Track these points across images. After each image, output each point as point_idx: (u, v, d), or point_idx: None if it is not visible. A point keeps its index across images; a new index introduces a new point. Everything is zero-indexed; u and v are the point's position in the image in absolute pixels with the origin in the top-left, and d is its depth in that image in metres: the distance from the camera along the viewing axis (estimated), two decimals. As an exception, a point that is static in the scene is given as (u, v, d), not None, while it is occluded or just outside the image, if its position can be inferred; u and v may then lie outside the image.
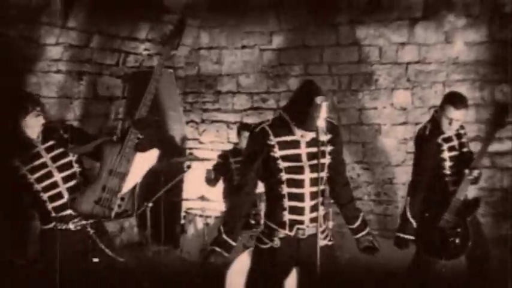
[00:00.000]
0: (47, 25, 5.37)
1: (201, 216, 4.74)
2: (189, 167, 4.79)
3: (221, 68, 7.37)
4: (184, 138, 6.81)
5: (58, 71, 5.71)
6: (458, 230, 3.79)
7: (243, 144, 5.25)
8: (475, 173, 3.87)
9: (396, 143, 6.54)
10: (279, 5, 6.94)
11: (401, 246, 3.91)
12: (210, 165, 5.34)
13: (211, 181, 5.09)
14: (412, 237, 3.93)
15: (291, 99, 2.89)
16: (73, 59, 5.84)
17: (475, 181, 3.94)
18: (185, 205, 5.20)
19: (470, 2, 6.16)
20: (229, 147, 6.39)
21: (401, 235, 3.95)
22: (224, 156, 5.43)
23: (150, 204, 4.54)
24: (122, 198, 3.24)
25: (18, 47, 5.16)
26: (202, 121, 7.58)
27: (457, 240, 3.80)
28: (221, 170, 5.33)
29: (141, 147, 3.25)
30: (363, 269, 4.85)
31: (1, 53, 4.99)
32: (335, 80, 6.77)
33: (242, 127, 5.43)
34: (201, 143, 7.56)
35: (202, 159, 5.39)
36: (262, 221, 4.40)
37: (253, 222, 4.34)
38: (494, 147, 6.03)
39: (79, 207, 3.21)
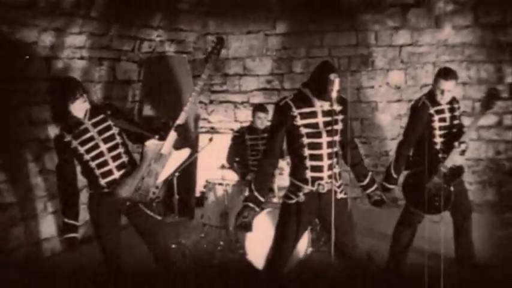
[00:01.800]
0: (72, 15, 5.69)
1: (220, 184, 5.23)
2: (210, 139, 5.24)
3: (228, 52, 7.74)
4: (198, 117, 7.23)
5: (82, 58, 6.06)
6: (443, 191, 4.33)
7: (258, 123, 5.71)
8: (463, 146, 4.37)
9: (391, 119, 7.04)
10: None
11: (384, 191, 4.44)
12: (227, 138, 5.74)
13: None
14: (393, 186, 4.52)
15: (311, 76, 3.42)
16: (94, 46, 6.17)
17: (462, 153, 4.42)
18: (206, 175, 5.64)
19: None
20: (237, 126, 6.79)
21: (385, 184, 4.53)
22: (241, 133, 5.84)
23: (177, 174, 4.98)
24: (157, 187, 3.78)
25: (46, 37, 5.54)
26: (211, 102, 7.98)
27: (441, 200, 4.35)
28: (238, 146, 5.77)
29: (177, 146, 3.78)
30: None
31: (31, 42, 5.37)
32: (335, 62, 7.16)
33: (256, 108, 5.81)
34: (209, 122, 7.96)
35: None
36: (275, 188, 4.97)
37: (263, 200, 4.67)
38: (480, 121, 6.56)
39: (121, 193, 3.69)
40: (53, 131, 5.74)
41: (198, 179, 6.93)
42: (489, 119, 6.71)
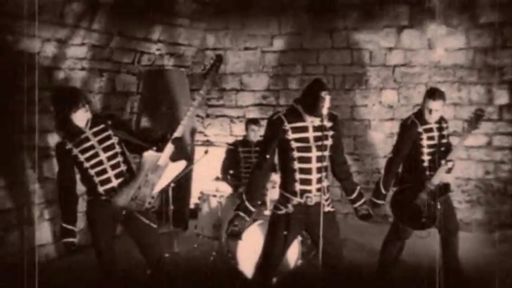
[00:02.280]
0: (75, 27, 5.84)
1: (214, 196, 5.34)
2: (206, 152, 5.37)
3: (225, 67, 7.87)
4: (194, 130, 7.35)
5: (82, 69, 6.20)
6: (430, 208, 4.46)
7: (251, 136, 5.87)
8: (450, 164, 4.51)
9: (384, 137, 7.15)
10: (280, 11, 7.50)
11: (373, 207, 4.56)
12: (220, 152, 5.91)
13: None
14: (382, 202, 4.66)
15: (303, 93, 3.57)
16: (95, 57, 6.31)
17: (449, 171, 4.56)
18: (201, 187, 5.76)
19: (451, 13, 6.78)
20: (232, 140, 6.89)
21: (374, 200, 4.67)
22: (234, 145, 6.00)
23: (173, 184, 5.09)
24: (153, 197, 3.91)
25: (49, 47, 5.68)
26: (207, 116, 8.11)
27: (428, 216, 4.48)
28: (231, 159, 5.91)
29: (174, 158, 3.91)
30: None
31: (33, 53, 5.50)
32: (330, 80, 7.32)
33: (250, 121, 5.98)
34: (205, 135, 8.09)
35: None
36: (267, 201, 5.09)
37: (259, 202, 4.82)
38: (470, 141, 6.67)
39: (118, 201, 3.81)
40: (51, 139, 5.87)
41: (192, 190, 7.03)
42: (479, 140, 6.82)
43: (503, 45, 6.69)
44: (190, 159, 6.48)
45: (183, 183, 6.14)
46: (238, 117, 7.94)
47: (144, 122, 6.91)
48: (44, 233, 5.81)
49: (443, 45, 6.93)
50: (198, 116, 8.02)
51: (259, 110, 7.83)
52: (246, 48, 7.83)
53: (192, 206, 7.17)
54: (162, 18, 7.11)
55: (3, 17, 5.02)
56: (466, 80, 6.91)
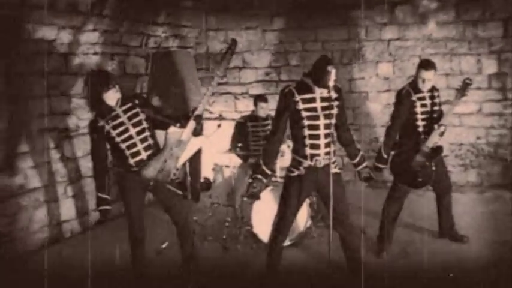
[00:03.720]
0: (87, 15, 6.08)
1: (227, 166, 5.75)
2: (219, 125, 5.72)
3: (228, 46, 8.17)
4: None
5: (95, 53, 6.47)
6: (425, 168, 4.89)
7: (259, 112, 6.17)
8: (442, 128, 4.91)
9: (381, 108, 7.48)
10: None
11: (376, 171, 5.00)
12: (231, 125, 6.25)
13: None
14: (384, 166, 5.04)
15: (312, 67, 3.97)
16: (106, 42, 6.58)
17: (442, 134, 4.96)
18: (214, 159, 6.14)
19: None
20: (237, 115, 7.20)
21: (377, 164, 5.06)
22: (244, 119, 6.29)
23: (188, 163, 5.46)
24: (177, 169, 4.29)
25: (64, 35, 5.97)
26: (212, 93, 8.38)
27: (424, 175, 4.91)
28: (240, 132, 6.23)
29: (196, 133, 4.27)
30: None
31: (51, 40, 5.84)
32: (328, 55, 7.49)
33: (258, 98, 6.25)
34: (211, 112, 8.37)
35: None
36: (277, 169, 5.49)
37: (270, 173, 5.14)
38: (462, 109, 7.10)
39: (146, 174, 4.18)
40: (71, 121, 6.25)
41: (203, 165, 7.41)
42: (470, 107, 7.18)
43: (491, 18, 7.01)
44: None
45: (194, 157, 6.51)
46: (242, 94, 8.23)
47: (154, 102, 7.22)
48: (68, 209, 6.18)
49: (434, 19, 7.22)
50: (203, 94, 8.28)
51: (262, 86, 8.11)
52: (248, 28, 8.05)
53: (202, 179, 7.58)
54: (166, 1, 7.36)
55: (23, 7, 5.33)
56: (456, 52, 7.21)
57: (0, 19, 5.17)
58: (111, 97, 4.14)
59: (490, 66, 7.13)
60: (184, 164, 4.51)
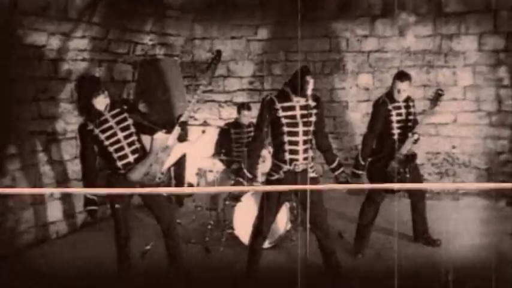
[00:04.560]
0: (77, 21, 6.26)
1: (210, 171, 5.94)
2: (203, 131, 5.91)
3: (213, 55, 8.21)
4: (186, 115, 7.84)
5: (84, 59, 6.60)
6: (400, 174, 5.12)
7: (242, 119, 6.37)
8: (416, 136, 5.15)
9: (361, 117, 7.65)
10: (264, 2, 7.92)
11: (354, 177, 5.21)
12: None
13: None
14: (362, 172, 5.25)
15: (291, 77, 4.20)
16: (95, 49, 6.72)
17: (415, 142, 5.21)
18: (198, 164, 6.31)
19: (419, 3, 7.32)
20: (221, 123, 7.37)
21: (355, 170, 5.27)
22: (228, 126, 6.51)
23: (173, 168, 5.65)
24: (162, 173, 4.47)
25: (54, 40, 6.10)
26: (197, 101, 8.54)
27: (398, 181, 5.12)
28: (224, 139, 6.43)
29: (181, 139, 4.46)
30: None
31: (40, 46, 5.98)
32: (310, 66, 7.62)
33: (241, 106, 6.48)
34: (195, 119, 8.55)
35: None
36: (258, 174, 5.69)
37: (251, 177, 5.33)
38: (438, 119, 7.37)
39: (132, 177, 4.36)
40: (59, 125, 6.40)
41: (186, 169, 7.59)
42: (446, 117, 7.41)
43: (466, 33, 7.27)
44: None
45: (178, 162, 6.68)
46: (226, 102, 8.40)
47: (141, 108, 7.41)
48: (54, 211, 6.30)
49: (413, 32, 7.46)
50: (188, 101, 8.46)
51: (246, 94, 8.29)
52: (233, 37, 8.22)
53: (185, 185, 7.75)
54: (153, 10, 7.51)
55: (14, 13, 5.48)
56: (433, 64, 7.45)
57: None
58: (101, 102, 4.31)
59: (465, 79, 7.37)
60: (169, 169, 4.69)
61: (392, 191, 5.21)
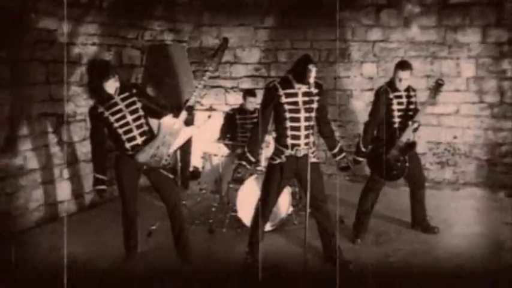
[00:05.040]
0: (87, 7, 6.47)
1: (215, 155, 6.09)
2: (209, 116, 6.06)
3: (220, 42, 8.32)
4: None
5: (93, 44, 6.79)
6: (399, 162, 5.27)
7: (247, 105, 6.51)
8: (416, 124, 5.25)
9: (364, 105, 7.72)
10: None
11: (355, 163, 5.37)
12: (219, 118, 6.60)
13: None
14: (362, 159, 5.39)
15: (294, 65, 4.34)
16: (104, 34, 6.90)
17: (415, 130, 5.30)
18: (204, 148, 6.47)
19: None
20: (227, 108, 7.51)
21: (356, 157, 5.41)
22: (233, 112, 6.65)
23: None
24: (168, 155, 4.62)
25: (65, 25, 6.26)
26: (204, 86, 8.66)
27: (398, 168, 5.28)
28: (229, 124, 6.57)
29: (188, 123, 4.61)
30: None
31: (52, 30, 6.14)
32: (316, 54, 7.89)
33: (247, 93, 6.60)
34: (202, 105, 8.69)
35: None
36: (262, 159, 5.84)
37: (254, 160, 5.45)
38: (441, 109, 7.50)
39: (140, 158, 4.51)
40: (69, 107, 6.57)
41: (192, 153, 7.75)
42: (448, 108, 7.51)
43: (471, 25, 7.35)
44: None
45: (184, 146, 6.83)
46: (232, 88, 8.52)
47: (148, 92, 7.55)
48: (63, 190, 6.50)
49: (417, 23, 7.55)
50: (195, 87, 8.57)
51: (251, 81, 8.39)
52: (240, 25, 8.31)
53: (191, 168, 7.92)
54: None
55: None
56: (437, 55, 7.53)
57: (6, 9, 5.47)
58: (111, 86, 4.47)
59: (468, 70, 7.45)
60: (175, 152, 4.84)
61: (391, 178, 5.33)
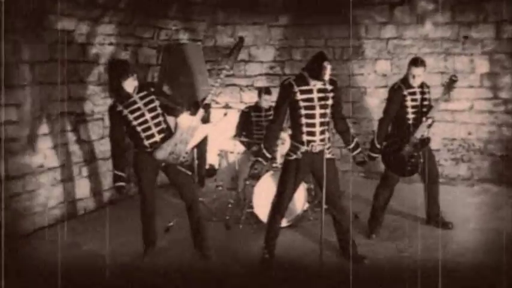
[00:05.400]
0: (104, 7, 6.52)
1: (232, 152, 6.19)
2: (225, 114, 6.16)
3: (235, 40, 7.99)
4: (207, 98, 8.07)
5: (110, 44, 6.89)
6: (413, 158, 5.31)
7: (262, 103, 6.58)
8: (430, 120, 5.31)
9: (378, 102, 7.78)
10: None
11: (370, 160, 5.40)
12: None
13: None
14: (377, 155, 5.43)
15: (309, 62, 4.41)
16: (121, 33, 6.99)
17: (429, 126, 5.36)
18: (220, 145, 6.58)
19: None
20: (242, 106, 7.59)
21: (371, 154, 5.46)
22: (248, 109, 6.73)
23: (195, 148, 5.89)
24: (186, 152, 4.73)
25: (83, 26, 6.38)
26: (220, 85, 8.73)
27: (412, 164, 5.32)
28: (245, 121, 6.65)
29: (204, 120, 4.71)
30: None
31: (70, 30, 6.24)
32: (330, 51, 7.93)
33: (263, 91, 6.67)
34: (217, 103, 8.78)
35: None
36: (278, 156, 5.91)
37: (270, 157, 5.53)
38: (455, 105, 7.54)
39: (158, 155, 4.61)
40: (87, 107, 6.69)
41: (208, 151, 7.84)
42: (463, 104, 7.54)
43: (484, 21, 7.35)
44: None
45: (200, 144, 6.93)
46: (247, 86, 8.59)
47: (164, 90, 7.65)
48: (82, 188, 6.63)
49: (431, 20, 7.56)
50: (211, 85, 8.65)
51: (266, 79, 8.46)
52: (254, 23, 8.38)
53: (207, 166, 8.01)
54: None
55: (48, 0, 5.75)
56: (451, 51, 7.55)
57: (27, 11, 5.60)
58: (130, 85, 4.58)
59: (482, 66, 7.45)
60: (192, 149, 4.94)
61: (405, 174, 5.38)
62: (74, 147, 6.51)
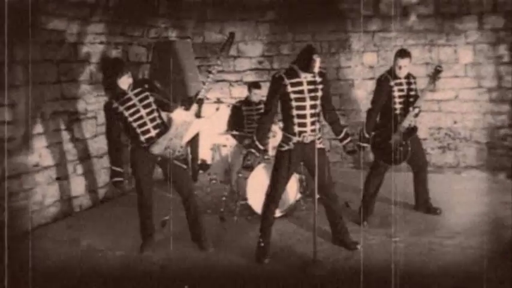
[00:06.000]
0: (94, 6, 6.58)
1: (224, 146, 6.31)
2: (217, 109, 6.27)
3: (223, 37, 8.33)
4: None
5: (101, 42, 6.95)
6: (402, 146, 5.46)
7: (253, 97, 6.69)
8: (416, 110, 5.45)
9: (366, 94, 7.91)
10: None
11: (359, 150, 5.50)
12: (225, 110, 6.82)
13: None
14: (366, 145, 5.57)
15: (298, 55, 4.53)
16: (111, 32, 7.05)
17: (416, 115, 5.49)
18: (212, 140, 6.70)
19: None
20: (232, 101, 7.69)
21: (360, 143, 5.59)
22: (239, 104, 6.82)
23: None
24: (181, 147, 4.84)
25: (74, 25, 6.44)
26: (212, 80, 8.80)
27: (400, 153, 5.46)
28: (236, 116, 6.75)
29: (197, 115, 4.82)
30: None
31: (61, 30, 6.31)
32: (317, 45, 8.01)
33: (252, 85, 6.79)
34: (207, 99, 8.85)
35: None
36: (269, 148, 6.05)
37: (263, 148, 5.63)
38: (441, 95, 7.71)
39: (154, 150, 4.72)
40: (80, 105, 6.76)
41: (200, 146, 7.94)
42: (448, 94, 7.71)
43: (467, 12, 7.53)
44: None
45: (192, 139, 7.03)
46: (236, 81, 8.68)
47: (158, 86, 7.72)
48: (77, 186, 6.69)
49: (415, 12, 7.72)
50: (202, 82, 8.73)
51: (255, 74, 8.56)
52: (242, 19, 8.46)
53: (199, 161, 8.11)
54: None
55: (38, 1, 5.81)
56: (435, 43, 7.71)
57: (18, 11, 5.66)
58: (124, 82, 4.68)
59: (466, 56, 7.63)
60: (186, 144, 5.04)
61: (393, 162, 5.53)
62: (68, 146, 6.56)
